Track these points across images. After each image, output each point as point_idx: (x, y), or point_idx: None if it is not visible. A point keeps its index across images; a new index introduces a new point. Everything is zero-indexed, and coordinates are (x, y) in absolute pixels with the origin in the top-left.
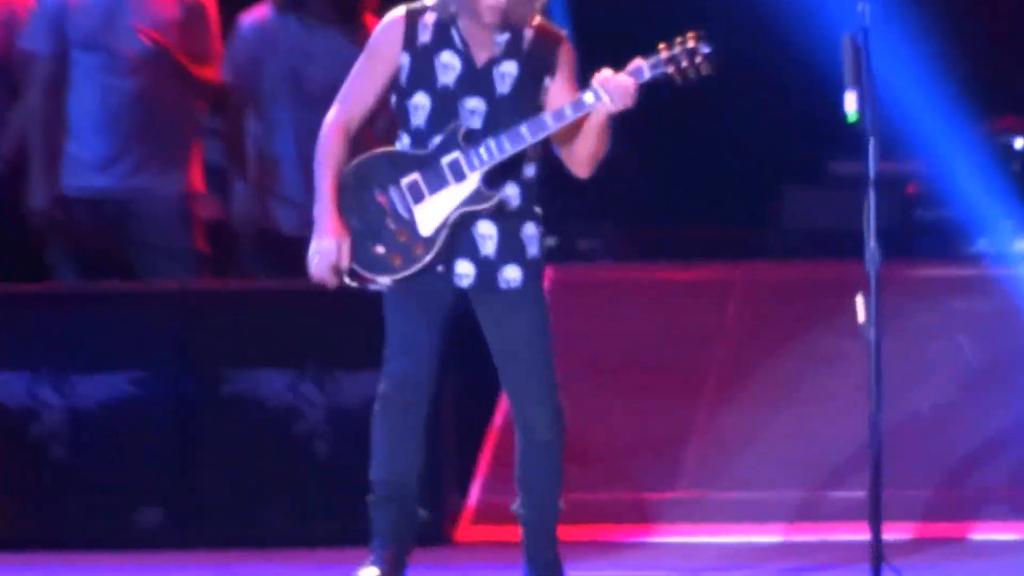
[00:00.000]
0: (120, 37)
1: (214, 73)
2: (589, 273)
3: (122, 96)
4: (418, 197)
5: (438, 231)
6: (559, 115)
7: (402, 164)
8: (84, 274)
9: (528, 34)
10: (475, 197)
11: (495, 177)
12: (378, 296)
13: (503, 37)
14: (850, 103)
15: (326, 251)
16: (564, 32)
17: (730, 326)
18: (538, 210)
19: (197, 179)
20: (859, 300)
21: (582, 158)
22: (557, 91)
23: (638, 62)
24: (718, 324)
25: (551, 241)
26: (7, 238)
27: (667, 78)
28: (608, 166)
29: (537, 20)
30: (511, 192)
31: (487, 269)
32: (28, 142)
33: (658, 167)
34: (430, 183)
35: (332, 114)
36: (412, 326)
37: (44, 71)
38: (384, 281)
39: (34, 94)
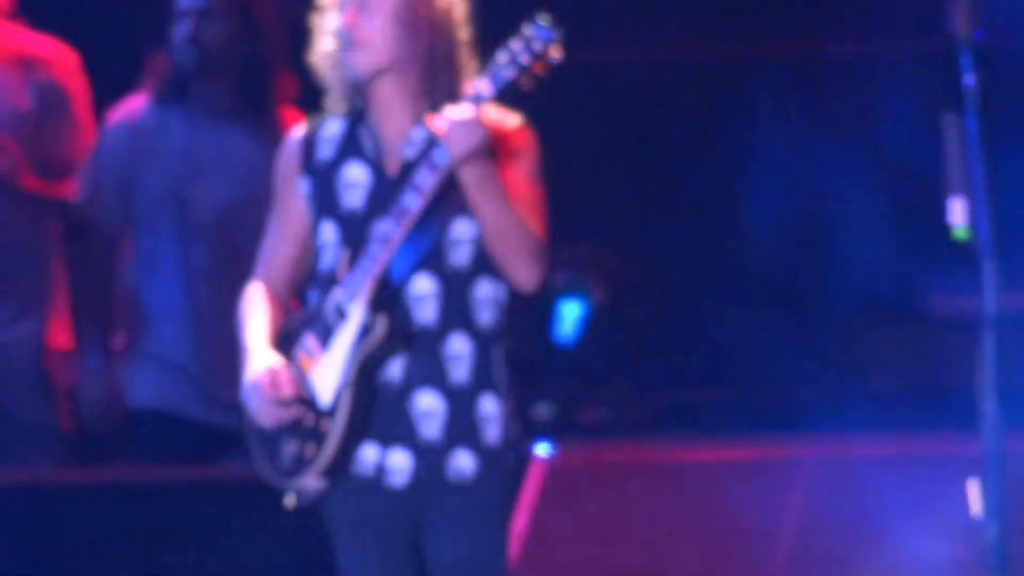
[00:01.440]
0: None
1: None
2: (594, 454)
3: None
4: (312, 361)
5: (338, 394)
6: (416, 190)
7: (304, 328)
8: None
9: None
10: (364, 334)
11: (384, 299)
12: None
13: (422, 131)
14: (956, 214)
15: (251, 388)
16: (515, 118)
17: (795, 524)
18: (503, 376)
19: (59, 332)
20: (972, 485)
21: (489, 243)
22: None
23: (476, 86)
24: (778, 521)
25: (545, 411)
26: None
27: (516, 86)
28: (619, 302)
29: (475, 105)
30: (458, 348)
31: (430, 457)
32: None
33: (690, 302)
34: (320, 338)
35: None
36: (364, 567)
37: None
38: (309, 485)
39: None
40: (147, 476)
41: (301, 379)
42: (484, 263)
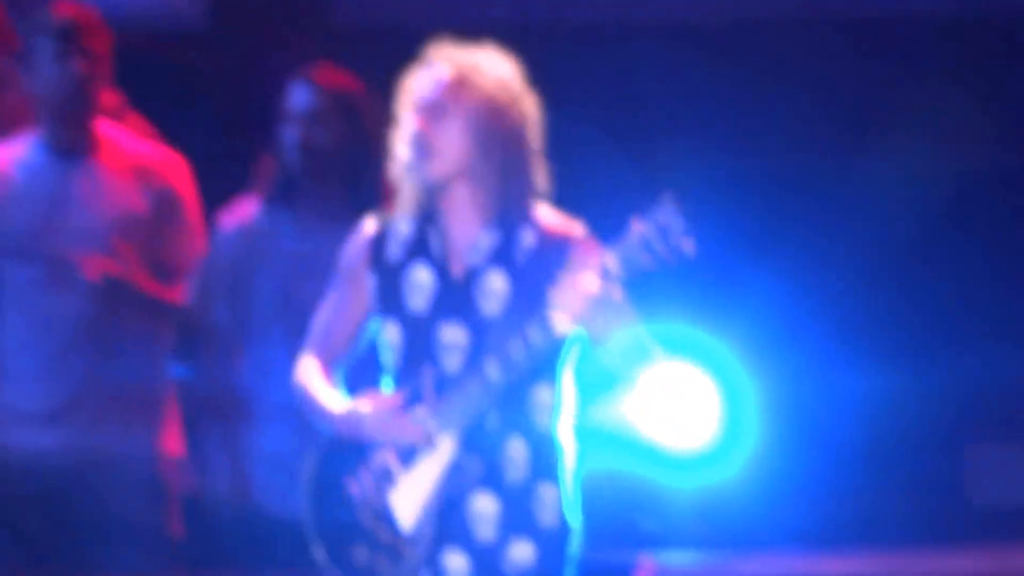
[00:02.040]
0: (65, 243)
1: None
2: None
3: (69, 324)
4: (388, 479)
5: (421, 528)
6: (528, 344)
7: None
8: (15, 563)
9: (528, 234)
10: (455, 473)
11: (480, 437)
12: None
13: (489, 238)
14: None
15: (374, 421)
16: (580, 227)
17: None
18: (563, 466)
19: (172, 439)
20: None
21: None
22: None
23: (607, 260)
24: None
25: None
26: None
27: (639, 266)
28: None
29: (546, 214)
30: (515, 453)
31: (487, 558)
32: None
33: (779, 417)
34: (402, 458)
35: (303, 353)
36: None
37: None
38: None
39: None
40: None
41: (379, 491)
42: (542, 370)
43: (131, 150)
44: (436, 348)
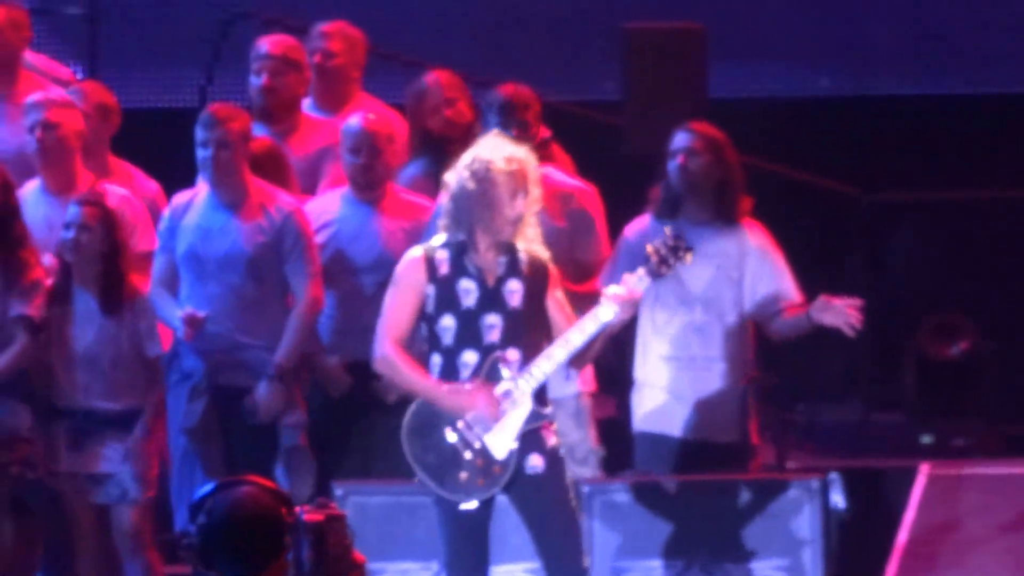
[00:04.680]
0: None
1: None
2: (963, 468)
3: None
4: (486, 428)
5: (511, 453)
6: (581, 331)
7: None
8: None
9: (522, 256)
10: (533, 417)
11: (542, 395)
12: None
13: (503, 259)
14: None
15: (481, 416)
16: (547, 255)
17: None
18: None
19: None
20: None
21: (584, 360)
22: (553, 304)
23: (639, 273)
24: None
25: (927, 439)
26: None
27: (659, 274)
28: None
29: (524, 245)
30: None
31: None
32: None
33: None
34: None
35: (386, 342)
36: (474, 544)
37: None
38: (471, 505)
39: None
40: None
41: (473, 436)
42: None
43: (555, 181)
44: (481, 329)
